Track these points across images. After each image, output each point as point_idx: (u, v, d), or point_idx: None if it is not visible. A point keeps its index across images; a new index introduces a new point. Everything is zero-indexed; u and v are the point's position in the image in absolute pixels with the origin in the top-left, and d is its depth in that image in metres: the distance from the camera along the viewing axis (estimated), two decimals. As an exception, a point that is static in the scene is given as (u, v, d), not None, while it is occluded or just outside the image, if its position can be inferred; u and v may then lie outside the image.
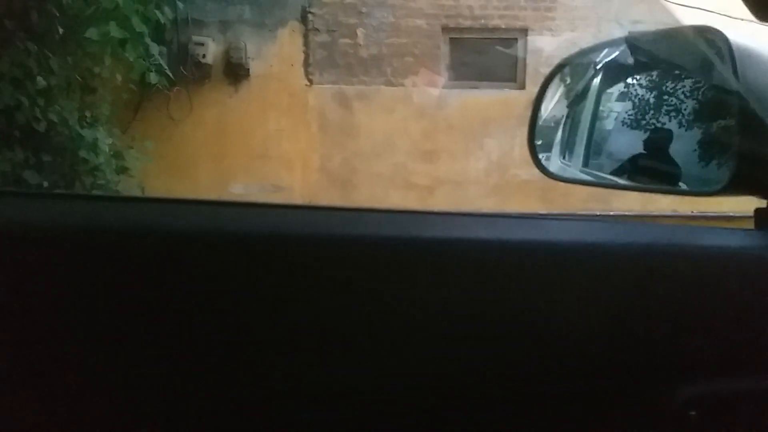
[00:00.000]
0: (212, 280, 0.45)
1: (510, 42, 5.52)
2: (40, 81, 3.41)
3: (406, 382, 0.51)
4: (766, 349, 0.62)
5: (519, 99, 5.10)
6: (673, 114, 0.81)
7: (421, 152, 5.45)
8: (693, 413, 0.61)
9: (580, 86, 1.17)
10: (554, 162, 1.17)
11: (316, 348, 0.48)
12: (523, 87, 5.39)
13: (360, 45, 5.45)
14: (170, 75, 4.49)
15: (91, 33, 3.61)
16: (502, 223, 0.59)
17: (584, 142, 1.08)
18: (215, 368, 0.46)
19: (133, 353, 0.44)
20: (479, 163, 5.44)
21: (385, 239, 0.50)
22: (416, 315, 0.50)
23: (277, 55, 5.45)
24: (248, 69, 5.39)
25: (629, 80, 0.94)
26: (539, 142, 1.12)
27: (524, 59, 5.47)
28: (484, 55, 5.54)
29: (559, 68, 1.07)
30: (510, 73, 5.51)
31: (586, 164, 1.12)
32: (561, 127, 1.21)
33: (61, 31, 3.57)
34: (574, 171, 1.14)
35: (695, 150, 0.77)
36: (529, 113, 1.10)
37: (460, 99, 5.49)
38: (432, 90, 5.48)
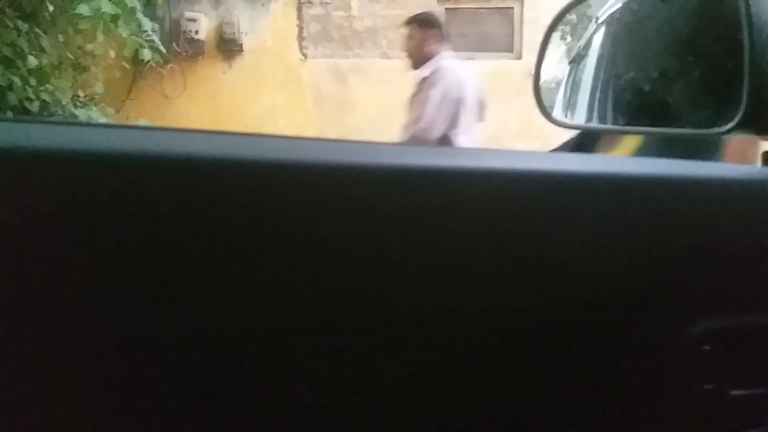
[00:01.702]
0: (211, 207, 0.44)
1: (506, 11, 5.45)
2: (32, 60, 3.36)
3: (412, 314, 0.50)
4: None
5: (516, 69, 5.06)
6: (680, 55, 0.80)
7: (418, 125, 5.41)
8: (707, 347, 0.61)
9: (582, 41, 1.15)
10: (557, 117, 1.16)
11: (315, 279, 0.47)
12: (519, 57, 5.34)
13: (354, 17, 5.38)
14: (163, 51, 4.44)
15: (82, 9, 3.55)
16: (515, 155, 0.58)
17: (587, 96, 1.06)
18: (214, 300, 0.45)
19: (135, 284, 0.43)
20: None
21: (396, 169, 0.49)
22: (425, 245, 0.49)
23: (270, 29, 5.39)
24: (241, 44, 5.34)
25: (632, 23, 0.92)
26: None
27: (521, 29, 5.41)
28: (480, 25, 5.48)
29: (561, 15, 1.04)
30: (507, 43, 5.46)
31: (589, 120, 1.11)
32: (563, 84, 1.20)
33: (51, 8, 3.52)
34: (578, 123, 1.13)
35: (704, 91, 0.76)
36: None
37: (457, 70, 5.43)
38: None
